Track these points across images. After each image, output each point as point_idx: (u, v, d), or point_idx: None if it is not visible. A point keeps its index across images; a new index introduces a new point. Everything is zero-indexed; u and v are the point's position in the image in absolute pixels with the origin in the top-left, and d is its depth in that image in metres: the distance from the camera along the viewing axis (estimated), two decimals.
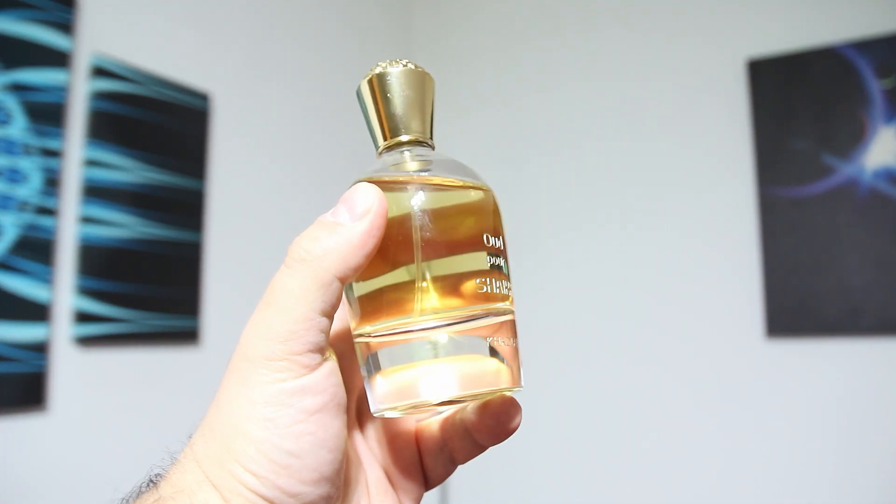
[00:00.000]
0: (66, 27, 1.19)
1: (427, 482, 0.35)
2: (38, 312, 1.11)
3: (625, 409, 1.79)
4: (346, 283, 0.28)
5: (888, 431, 1.51)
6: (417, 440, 0.34)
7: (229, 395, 0.28)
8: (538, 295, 1.93)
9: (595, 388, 1.83)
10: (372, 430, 0.34)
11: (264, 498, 0.27)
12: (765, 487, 1.61)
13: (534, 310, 1.93)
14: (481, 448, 0.33)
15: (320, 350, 0.28)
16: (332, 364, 0.29)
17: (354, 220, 0.27)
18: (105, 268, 1.22)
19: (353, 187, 0.29)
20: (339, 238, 0.27)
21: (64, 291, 1.17)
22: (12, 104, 1.11)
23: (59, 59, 1.18)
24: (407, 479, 0.33)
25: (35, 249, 1.12)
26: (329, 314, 0.27)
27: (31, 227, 1.12)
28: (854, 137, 1.57)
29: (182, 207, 1.38)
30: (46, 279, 1.13)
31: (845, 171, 1.58)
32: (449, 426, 0.34)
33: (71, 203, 1.20)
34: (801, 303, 1.59)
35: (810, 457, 1.57)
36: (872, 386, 1.53)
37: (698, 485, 1.68)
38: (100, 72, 1.25)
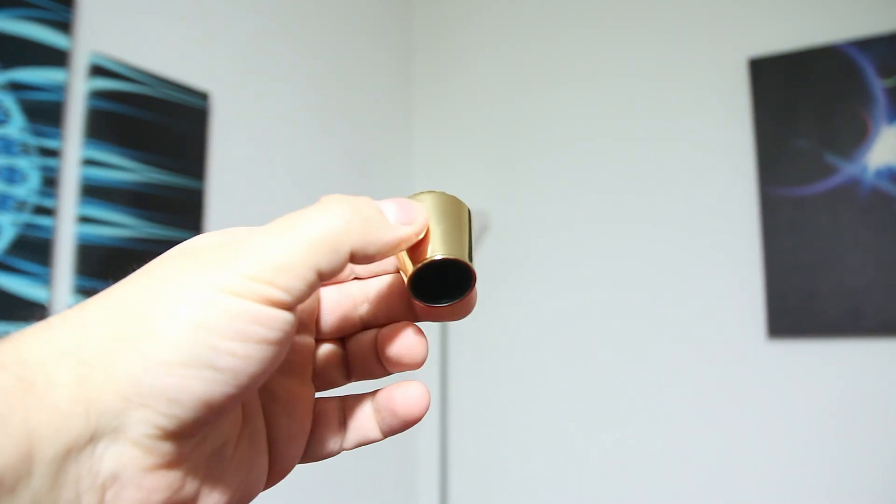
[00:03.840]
0: (64, 26, 1.18)
1: (304, 457, 0.31)
2: (36, 313, 1.10)
3: (626, 409, 1.78)
4: (353, 261, 0.25)
5: (890, 431, 1.50)
6: (315, 412, 0.31)
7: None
8: (538, 295, 1.93)
9: (596, 388, 1.82)
10: (275, 382, 0.30)
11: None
12: (766, 487, 1.60)
13: (534, 310, 1.93)
14: (376, 437, 0.31)
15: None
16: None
17: (399, 221, 0.27)
18: (103, 268, 1.21)
19: (409, 201, 0.28)
20: (385, 229, 0.26)
21: (62, 291, 1.17)
22: (10, 103, 1.10)
23: (57, 57, 1.17)
24: (289, 444, 0.30)
25: (33, 249, 1.11)
26: (323, 278, 0.25)
27: (29, 227, 1.11)
28: (856, 137, 1.57)
29: (181, 207, 1.38)
30: (44, 279, 1.12)
31: (847, 170, 1.57)
32: (350, 404, 0.31)
33: (69, 202, 1.20)
34: (802, 303, 1.58)
35: (812, 457, 1.56)
36: (874, 386, 1.52)
37: (700, 484, 1.67)
38: (98, 71, 1.24)
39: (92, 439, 0.21)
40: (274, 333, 0.23)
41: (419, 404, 0.30)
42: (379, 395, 0.31)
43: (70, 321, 0.22)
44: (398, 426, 0.31)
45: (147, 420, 0.21)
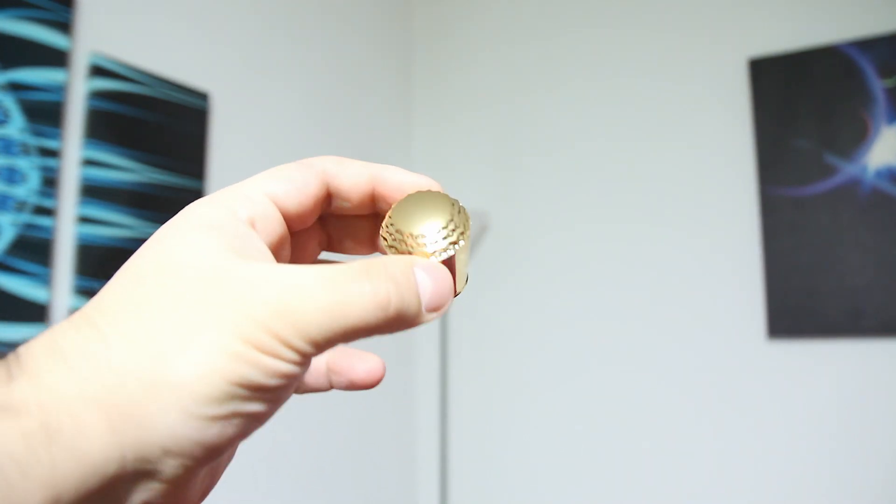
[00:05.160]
0: (64, 26, 1.18)
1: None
2: (36, 313, 1.10)
3: (625, 409, 1.78)
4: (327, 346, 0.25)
5: (890, 431, 1.50)
6: None
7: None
8: (538, 295, 1.93)
9: (595, 388, 1.82)
10: None
11: None
12: (766, 487, 1.60)
13: (534, 310, 1.93)
14: (326, 389, 0.33)
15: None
16: None
17: (428, 310, 0.26)
18: (103, 268, 1.21)
19: (445, 275, 0.26)
20: (416, 317, 0.25)
21: (62, 292, 1.17)
22: (10, 103, 1.10)
23: (57, 58, 1.17)
24: None
25: (33, 249, 1.11)
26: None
27: (29, 227, 1.11)
28: (856, 137, 1.57)
29: (181, 207, 1.37)
30: (44, 279, 1.12)
31: (847, 170, 1.57)
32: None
33: (69, 203, 1.19)
34: (802, 303, 1.58)
35: (812, 457, 1.56)
36: (874, 387, 1.52)
37: (700, 484, 1.67)
38: (98, 71, 1.24)
39: (123, 480, 0.21)
40: (295, 370, 0.23)
41: (375, 377, 0.31)
42: (335, 357, 0.32)
43: (91, 358, 0.21)
44: (350, 388, 0.32)
45: (183, 464, 0.22)
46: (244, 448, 1.51)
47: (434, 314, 0.26)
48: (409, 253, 0.27)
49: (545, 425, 1.87)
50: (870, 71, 1.56)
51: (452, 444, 1.99)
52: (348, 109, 1.93)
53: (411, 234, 0.28)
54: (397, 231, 0.28)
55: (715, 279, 1.71)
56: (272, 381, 0.22)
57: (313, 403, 1.71)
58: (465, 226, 0.28)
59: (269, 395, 0.23)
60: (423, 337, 2.09)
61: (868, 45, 1.57)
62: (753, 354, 1.65)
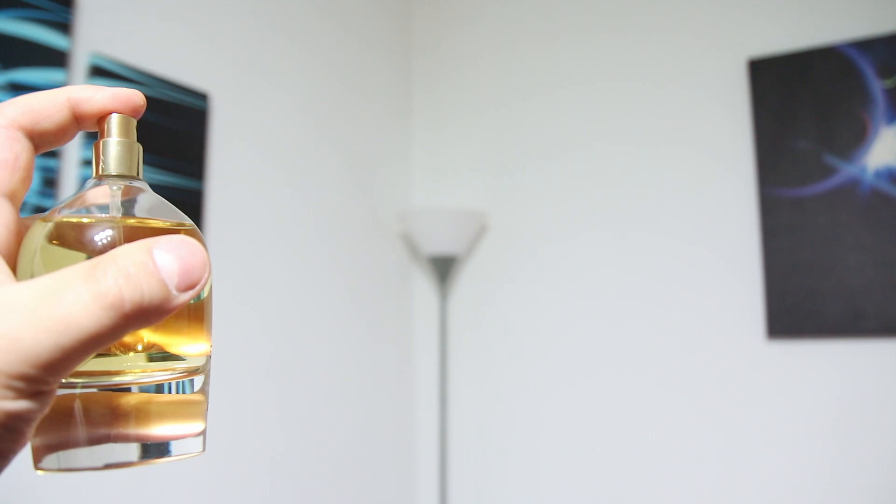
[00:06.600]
0: (64, 26, 1.18)
1: None
2: None
3: (625, 409, 1.78)
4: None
5: (889, 432, 1.50)
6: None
7: None
8: (537, 295, 1.93)
9: (595, 388, 1.82)
10: None
11: None
12: (766, 487, 1.60)
13: (533, 310, 1.93)
14: None
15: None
16: None
17: (179, 290, 0.23)
18: None
19: (192, 247, 0.24)
20: (163, 304, 0.23)
21: None
22: None
23: (57, 58, 1.17)
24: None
25: None
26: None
27: None
28: (856, 137, 1.57)
29: (181, 207, 1.37)
30: None
31: (847, 171, 1.57)
32: None
33: None
34: (801, 304, 1.58)
35: (811, 457, 1.57)
36: (873, 387, 1.53)
37: (700, 484, 1.68)
38: (98, 71, 1.24)
39: None
40: (28, 406, 0.21)
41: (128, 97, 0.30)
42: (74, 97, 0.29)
43: None
44: (105, 111, 0.30)
45: None
46: (244, 449, 1.51)
47: (191, 292, 0.23)
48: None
49: (545, 425, 1.87)
50: (869, 71, 1.57)
51: (452, 444, 1.99)
52: (348, 110, 1.93)
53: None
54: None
55: (714, 279, 1.71)
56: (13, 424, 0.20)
57: (314, 404, 1.71)
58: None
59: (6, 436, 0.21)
60: (422, 337, 2.09)
61: (867, 46, 1.57)
62: (753, 354, 1.65)
